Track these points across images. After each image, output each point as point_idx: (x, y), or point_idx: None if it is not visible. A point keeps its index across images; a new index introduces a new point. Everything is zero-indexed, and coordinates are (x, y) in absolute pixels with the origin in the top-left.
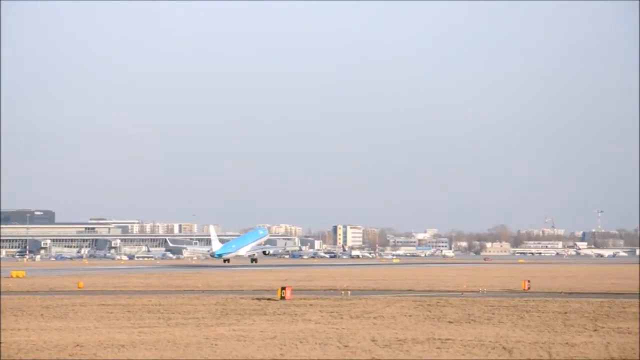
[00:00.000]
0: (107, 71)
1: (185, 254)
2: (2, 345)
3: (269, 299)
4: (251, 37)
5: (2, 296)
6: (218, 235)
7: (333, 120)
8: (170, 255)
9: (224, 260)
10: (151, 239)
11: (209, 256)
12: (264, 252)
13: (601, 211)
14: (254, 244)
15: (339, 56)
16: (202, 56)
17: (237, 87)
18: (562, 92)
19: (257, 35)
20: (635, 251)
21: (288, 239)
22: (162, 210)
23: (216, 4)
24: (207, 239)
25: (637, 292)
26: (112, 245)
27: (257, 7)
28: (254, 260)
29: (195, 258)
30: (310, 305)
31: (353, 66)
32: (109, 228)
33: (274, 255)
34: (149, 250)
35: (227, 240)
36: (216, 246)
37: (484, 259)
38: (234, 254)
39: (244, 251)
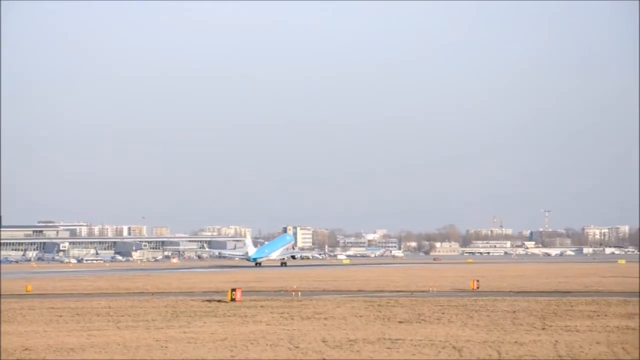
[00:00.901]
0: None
1: (135, 256)
2: None
3: (219, 301)
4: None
5: None
6: (168, 238)
7: (281, 121)
8: (120, 257)
9: (256, 264)
10: (100, 242)
11: (245, 260)
12: (293, 257)
13: (548, 210)
14: (282, 249)
15: (298, 54)
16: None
17: (189, 85)
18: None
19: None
20: (582, 250)
21: (238, 241)
22: (111, 212)
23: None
24: (156, 241)
25: (583, 290)
26: (61, 248)
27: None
28: (283, 263)
29: (144, 260)
30: (261, 306)
31: (315, 66)
32: (57, 231)
33: (301, 258)
34: (97, 253)
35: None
36: (251, 251)
37: (434, 259)
38: (266, 258)
39: (275, 255)
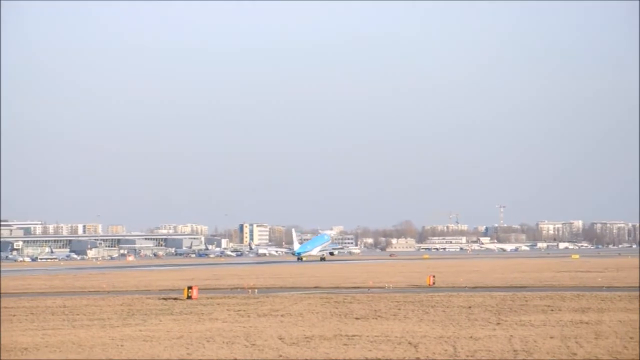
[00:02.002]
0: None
1: (91, 254)
2: None
3: (175, 299)
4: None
5: None
6: (123, 236)
7: (237, 117)
8: (75, 256)
9: (298, 259)
10: (55, 240)
11: (291, 254)
12: (331, 253)
13: (503, 206)
14: (321, 247)
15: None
16: None
17: (141, 84)
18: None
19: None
20: (536, 245)
21: (194, 238)
22: (66, 210)
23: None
24: (111, 239)
25: (537, 285)
26: (14, 247)
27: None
28: (322, 259)
29: (100, 259)
30: (217, 304)
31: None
32: (11, 230)
33: (337, 255)
34: (52, 252)
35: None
36: (296, 247)
37: (390, 255)
38: (307, 254)
39: (315, 251)
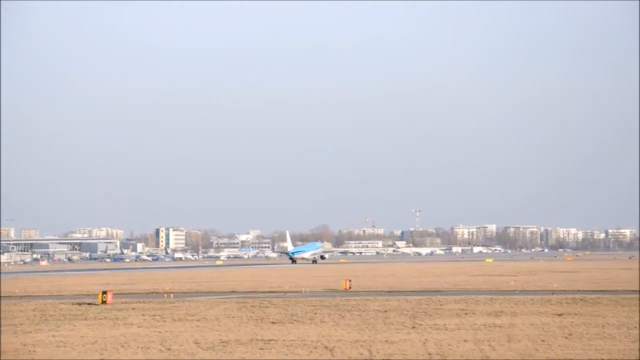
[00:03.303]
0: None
1: (3, 259)
2: None
3: (89, 304)
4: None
5: None
6: (36, 240)
7: (151, 117)
8: None
9: (292, 260)
10: None
11: (284, 255)
12: (322, 257)
13: (419, 210)
14: (313, 251)
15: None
16: None
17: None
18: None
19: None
20: (451, 249)
21: (109, 242)
22: None
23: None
24: (24, 243)
25: (452, 289)
26: None
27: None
28: (314, 261)
29: (12, 263)
30: (132, 309)
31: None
32: None
33: (328, 259)
34: None
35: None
36: (290, 248)
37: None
38: (301, 256)
39: (308, 255)
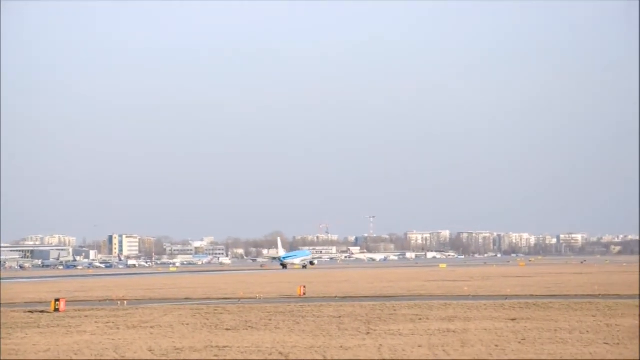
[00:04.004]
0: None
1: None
2: None
3: (42, 312)
4: None
5: None
6: None
7: (103, 124)
8: None
9: (282, 265)
10: None
11: (274, 261)
12: (311, 263)
13: (373, 216)
14: (302, 258)
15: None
16: None
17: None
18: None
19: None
20: (405, 254)
21: (62, 250)
22: None
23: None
24: None
25: (406, 295)
26: None
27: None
28: (304, 267)
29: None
30: (86, 316)
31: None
32: None
33: (317, 265)
34: None
35: None
36: (282, 253)
37: (261, 266)
38: (291, 262)
39: (298, 261)
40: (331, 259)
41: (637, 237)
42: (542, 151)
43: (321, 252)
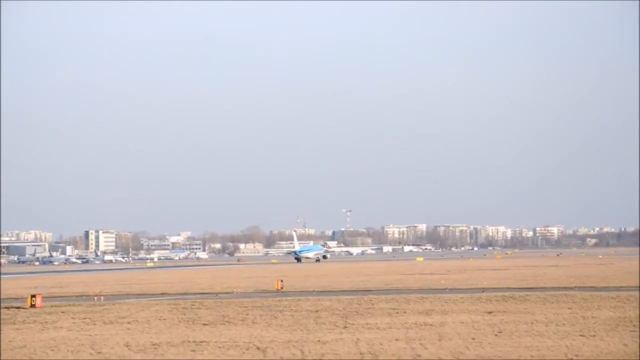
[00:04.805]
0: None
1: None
2: None
3: (18, 308)
4: None
5: None
6: None
7: (77, 122)
8: None
9: (297, 259)
10: None
11: (288, 255)
12: (324, 256)
13: (350, 210)
14: (316, 252)
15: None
16: None
17: None
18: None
19: None
20: (382, 248)
21: (38, 245)
22: None
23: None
24: None
25: (383, 288)
26: None
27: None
28: (317, 260)
29: None
30: (62, 312)
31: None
32: None
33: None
34: None
35: None
36: (297, 247)
37: (238, 260)
38: (305, 255)
39: (312, 254)
40: None
41: (613, 229)
42: (516, 147)
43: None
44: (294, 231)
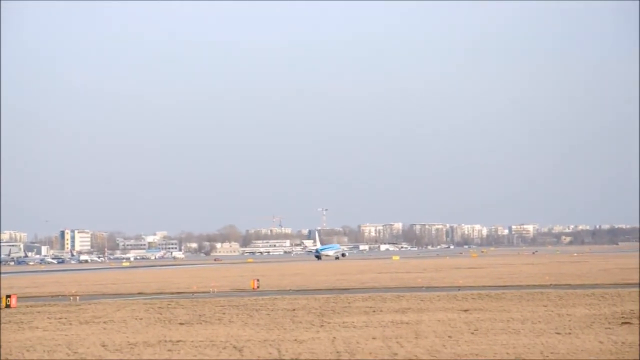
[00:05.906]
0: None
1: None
2: None
3: None
4: None
5: None
6: None
7: (55, 121)
8: None
9: (317, 257)
10: None
11: (309, 253)
12: (343, 254)
13: (326, 209)
14: (335, 250)
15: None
16: None
17: None
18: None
19: None
20: (358, 247)
21: (13, 245)
22: None
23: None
24: None
25: (360, 287)
26: None
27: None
28: (337, 258)
29: None
30: (38, 312)
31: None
32: None
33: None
34: None
35: None
36: (318, 246)
37: (214, 260)
38: (326, 253)
39: (331, 252)
40: (285, 252)
41: (588, 227)
42: (492, 146)
43: (274, 245)
44: (317, 230)
